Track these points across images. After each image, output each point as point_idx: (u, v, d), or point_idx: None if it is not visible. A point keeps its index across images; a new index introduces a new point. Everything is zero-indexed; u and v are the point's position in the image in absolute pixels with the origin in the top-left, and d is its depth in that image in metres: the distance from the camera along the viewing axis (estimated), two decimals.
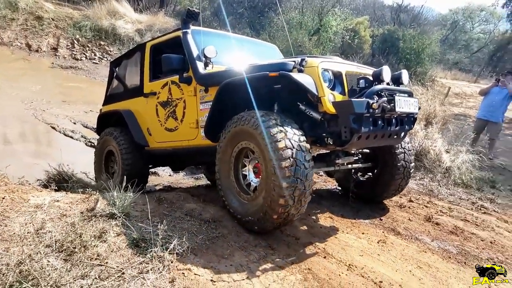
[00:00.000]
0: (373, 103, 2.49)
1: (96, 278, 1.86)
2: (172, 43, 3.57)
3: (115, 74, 4.67)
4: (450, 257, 2.81)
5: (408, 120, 2.94)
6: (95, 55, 12.91)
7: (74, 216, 2.41)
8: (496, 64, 17.92)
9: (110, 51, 13.22)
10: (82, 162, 5.20)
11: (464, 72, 23.89)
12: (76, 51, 12.69)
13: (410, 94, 2.92)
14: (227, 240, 2.55)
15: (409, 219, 3.48)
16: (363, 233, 3.05)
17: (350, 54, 14.93)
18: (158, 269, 2.01)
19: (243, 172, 2.78)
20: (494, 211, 4.09)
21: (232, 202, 2.76)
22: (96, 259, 2.01)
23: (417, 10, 25.41)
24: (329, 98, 2.54)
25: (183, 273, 2.06)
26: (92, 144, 6.29)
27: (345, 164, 3.22)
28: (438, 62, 18.93)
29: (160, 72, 3.70)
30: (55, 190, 3.13)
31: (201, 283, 2.01)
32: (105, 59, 12.94)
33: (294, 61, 2.64)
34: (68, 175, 3.64)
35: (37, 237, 2.10)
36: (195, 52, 3.27)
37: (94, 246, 2.10)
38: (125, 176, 3.59)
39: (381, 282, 2.32)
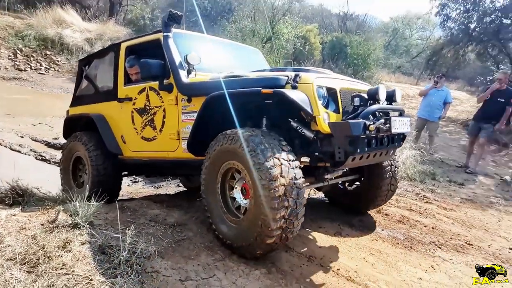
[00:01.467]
0: (369, 124, 2.35)
1: (63, 286, 1.86)
2: (151, 46, 3.31)
3: (84, 73, 4.29)
4: (398, 243, 3.11)
5: (398, 138, 2.88)
6: (41, 65, 12.28)
7: (34, 228, 2.36)
8: (432, 67, 19.46)
9: (58, 61, 12.66)
10: (32, 177, 4.95)
11: (406, 75, 25.68)
12: (19, 62, 11.99)
13: (401, 112, 2.88)
14: (193, 242, 2.63)
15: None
16: (320, 227, 3.26)
17: (302, 60, 15.52)
18: (127, 273, 2.04)
19: (231, 195, 2.57)
20: (435, 200, 4.53)
21: (220, 226, 2.56)
22: (62, 268, 2.00)
23: (361, 18, 26.99)
24: (324, 117, 2.40)
25: (151, 275, 2.11)
26: (43, 158, 6.01)
27: (334, 178, 3.11)
28: (383, 67, 20.20)
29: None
30: (10, 205, 3.01)
31: (171, 284, 2.08)
32: (53, 69, 12.38)
33: (287, 76, 2.48)
34: (23, 189, 3.48)
35: None
36: (177, 58, 3.02)
37: (58, 256, 2.08)
38: (95, 186, 3.42)
39: (339, 269, 2.54)
